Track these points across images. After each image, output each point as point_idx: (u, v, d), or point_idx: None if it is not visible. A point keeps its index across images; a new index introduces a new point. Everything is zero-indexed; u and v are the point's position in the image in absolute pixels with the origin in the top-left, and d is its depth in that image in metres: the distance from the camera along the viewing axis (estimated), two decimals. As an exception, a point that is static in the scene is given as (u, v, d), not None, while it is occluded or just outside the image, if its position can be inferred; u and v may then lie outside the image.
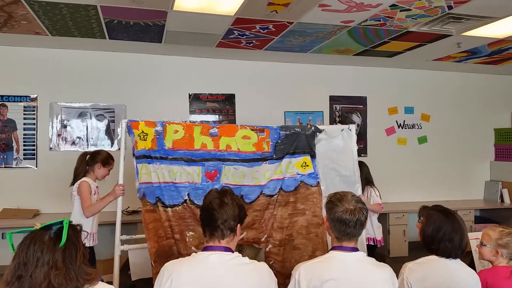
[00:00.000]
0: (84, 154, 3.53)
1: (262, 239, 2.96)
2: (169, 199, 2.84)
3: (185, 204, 2.86)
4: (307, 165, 3.08)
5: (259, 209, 2.96)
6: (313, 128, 3.13)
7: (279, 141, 3.04)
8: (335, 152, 3.18)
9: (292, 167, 3.05)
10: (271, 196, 3.00)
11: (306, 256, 2.92)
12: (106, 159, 3.52)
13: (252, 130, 3.00)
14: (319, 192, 3.07)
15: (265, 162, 3.00)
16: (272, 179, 3.00)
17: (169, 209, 2.83)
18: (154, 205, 2.83)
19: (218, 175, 2.91)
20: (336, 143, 3.19)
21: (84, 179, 3.40)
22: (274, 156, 3.02)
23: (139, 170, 2.82)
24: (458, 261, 2.15)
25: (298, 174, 3.06)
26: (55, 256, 1.41)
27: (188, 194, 2.87)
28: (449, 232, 2.12)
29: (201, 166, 2.89)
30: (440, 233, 2.13)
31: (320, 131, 3.14)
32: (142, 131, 2.84)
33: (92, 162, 3.48)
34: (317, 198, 3.05)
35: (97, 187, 3.52)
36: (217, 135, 2.93)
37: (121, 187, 3.01)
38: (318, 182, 3.09)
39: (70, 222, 1.50)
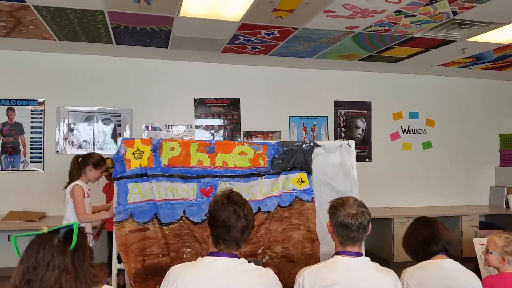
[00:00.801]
0: (76, 157, 3.54)
1: (259, 251, 2.96)
2: (165, 217, 2.81)
3: (181, 221, 2.84)
4: (303, 181, 3.07)
5: (256, 224, 2.92)
6: (311, 143, 3.12)
7: (276, 156, 3.03)
8: (332, 168, 3.15)
9: (289, 183, 3.05)
10: (269, 212, 3.00)
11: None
12: (97, 161, 3.52)
13: (249, 146, 2.99)
14: (313, 208, 3.06)
15: (261, 177, 3.00)
16: (270, 196, 3.00)
17: (164, 227, 2.80)
18: (147, 223, 2.79)
19: (213, 192, 2.89)
20: (333, 158, 3.16)
21: (77, 182, 3.41)
22: (271, 171, 3.02)
23: (130, 190, 2.77)
24: (457, 264, 2.16)
25: (294, 190, 3.06)
26: (66, 260, 1.42)
27: (184, 211, 2.86)
28: (427, 232, 2.20)
29: (196, 183, 2.88)
30: (418, 236, 2.21)
31: (318, 146, 3.13)
32: (138, 149, 2.79)
33: (83, 164, 3.48)
34: (312, 214, 3.06)
35: (89, 189, 3.53)
36: (213, 152, 2.92)
37: None
38: (313, 198, 3.08)
39: (78, 225, 1.52)
